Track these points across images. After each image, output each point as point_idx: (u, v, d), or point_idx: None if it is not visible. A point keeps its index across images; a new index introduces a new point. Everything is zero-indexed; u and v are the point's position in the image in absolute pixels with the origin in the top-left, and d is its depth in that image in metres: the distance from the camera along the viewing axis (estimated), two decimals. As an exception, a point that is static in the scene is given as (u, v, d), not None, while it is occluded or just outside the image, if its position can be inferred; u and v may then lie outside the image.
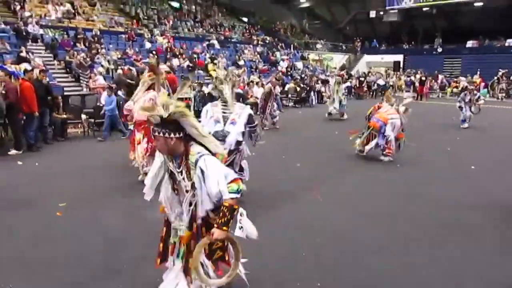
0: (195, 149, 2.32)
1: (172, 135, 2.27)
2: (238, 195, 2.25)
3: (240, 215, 2.36)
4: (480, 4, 27.40)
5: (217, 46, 22.36)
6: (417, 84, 22.06)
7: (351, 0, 33.60)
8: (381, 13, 31.54)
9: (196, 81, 15.06)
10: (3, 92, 7.39)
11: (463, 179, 6.33)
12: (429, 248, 3.86)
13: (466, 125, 11.34)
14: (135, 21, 21.06)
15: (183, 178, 2.37)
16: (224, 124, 4.63)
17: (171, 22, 22.92)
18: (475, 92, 11.59)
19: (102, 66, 14.33)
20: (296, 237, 4.08)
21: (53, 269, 3.35)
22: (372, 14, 32.18)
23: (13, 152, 7.56)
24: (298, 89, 18.03)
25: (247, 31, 27.91)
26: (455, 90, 23.18)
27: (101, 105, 9.93)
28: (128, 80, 11.51)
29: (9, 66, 9.81)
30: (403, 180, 6.22)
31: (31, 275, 3.25)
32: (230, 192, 2.22)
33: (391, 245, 3.93)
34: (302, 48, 29.89)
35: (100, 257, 3.56)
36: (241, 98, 15.52)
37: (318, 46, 32.14)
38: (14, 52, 13.03)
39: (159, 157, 2.53)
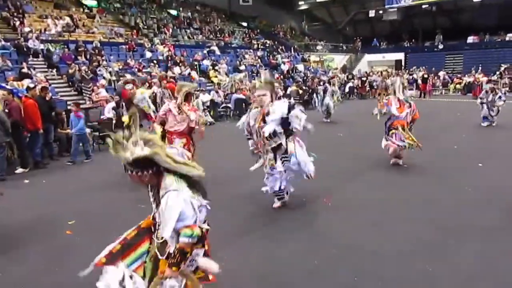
0: (165, 182, 2.27)
1: (145, 172, 2.24)
2: (191, 240, 2.21)
3: (196, 256, 2.38)
4: (479, 0, 27.30)
5: (218, 52, 22.38)
6: (419, 81, 21.97)
7: (349, 0, 33.59)
8: (381, 12, 31.51)
9: (198, 89, 15.08)
10: (6, 111, 7.38)
11: (472, 177, 6.25)
12: (448, 254, 3.78)
13: (486, 123, 10.94)
14: (135, 31, 21.13)
15: (155, 208, 2.41)
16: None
17: (170, 31, 22.99)
18: (496, 91, 10.97)
19: (104, 78, 14.36)
20: (310, 247, 4.01)
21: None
22: (372, 13, 32.15)
23: (20, 170, 7.54)
24: (300, 91, 17.98)
25: (247, 36, 27.95)
26: (458, 86, 23.08)
27: (105, 118, 9.91)
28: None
29: (11, 83, 9.87)
30: (414, 183, 6.12)
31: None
32: (182, 236, 2.20)
33: (410, 251, 3.85)
34: (302, 50, 29.89)
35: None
36: (244, 103, 15.70)
37: (319, 47, 32.14)
38: (16, 68, 13.06)
39: None
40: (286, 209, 5.12)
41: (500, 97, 10.87)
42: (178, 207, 2.20)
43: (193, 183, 2.37)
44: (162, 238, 2.36)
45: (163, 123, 5.84)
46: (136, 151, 2.19)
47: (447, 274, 3.44)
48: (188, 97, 5.76)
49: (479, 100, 11.18)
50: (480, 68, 22.09)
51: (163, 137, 5.56)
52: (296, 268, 3.63)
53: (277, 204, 5.12)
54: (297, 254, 3.91)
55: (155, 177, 2.29)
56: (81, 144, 8.49)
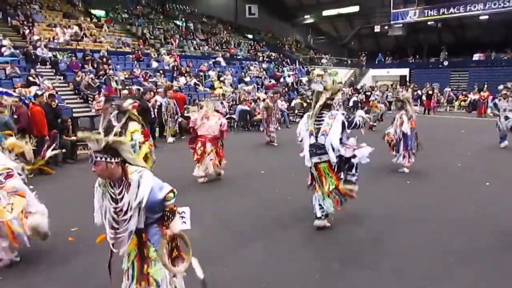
0: (131, 168, 2.65)
1: (113, 160, 2.58)
2: (174, 200, 2.74)
3: (184, 212, 2.87)
4: (486, 17, 27.43)
5: (223, 63, 22.55)
6: (424, 98, 21.96)
7: (355, 15, 33.90)
8: (386, 27, 31.72)
9: (203, 99, 15.17)
10: (15, 117, 7.46)
11: (477, 196, 6.20)
12: (447, 273, 3.74)
13: (504, 143, 10.15)
14: (141, 41, 21.38)
15: (123, 197, 2.66)
16: (316, 137, 4.60)
17: (177, 41, 23.23)
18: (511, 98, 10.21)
19: (110, 85, 14.47)
20: (313, 260, 3.98)
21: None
22: (377, 28, 32.34)
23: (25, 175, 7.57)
24: (305, 104, 18.03)
25: (253, 48, 28.19)
26: (462, 103, 23.04)
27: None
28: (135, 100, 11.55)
29: (19, 90, 9.98)
30: (415, 199, 6.10)
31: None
32: (169, 200, 2.70)
33: (409, 269, 3.81)
34: (307, 63, 30.07)
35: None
36: (248, 114, 15.76)
37: (323, 61, 32.32)
38: (24, 75, 13.21)
39: (98, 188, 2.80)
40: (291, 220, 5.11)
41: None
42: (153, 180, 2.65)
43: None
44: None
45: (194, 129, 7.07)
46: (109, 138, 2.60)
47: None
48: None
49: (489, 111, 10.76)
50: (486, 85, 22.03)
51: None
52: (299, 282, 3.61)
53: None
54: (299, 268, 3.89)
55: (120, 166, 2.63)
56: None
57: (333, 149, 4.49)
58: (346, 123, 4.62)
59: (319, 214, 4.75)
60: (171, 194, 2.72)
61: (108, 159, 2.57)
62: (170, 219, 2.73)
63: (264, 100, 13.94)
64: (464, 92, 24.44)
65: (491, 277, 3.69)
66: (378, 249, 4.30)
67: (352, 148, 4.64)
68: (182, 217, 2.88)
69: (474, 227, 4.90)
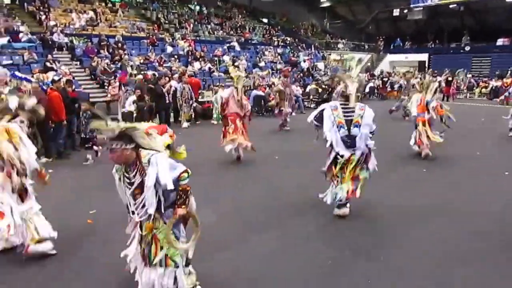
0: (143, 152, 2.73)
1: (128, 146, 2.65)
2: (187, 181, 2.78)
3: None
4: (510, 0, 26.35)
5: (238, 48, 22.39)
6: (443, 84, 21.41)
7: (373, -2, 33.03)
8: (406, 11, 30.81)
9: (218, 84, 15.14)
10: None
11: (496, 186, 6.06)
12: (455, 266, 3.69)
13: None
14: (156, 26, 21.33)
15: (134, 182, 2.75)
16: (348, 129, 4.50)
17: (191, 26, 23.11)
18: None
19: (126, 70, 14.54)
20: (324, 249, 3.98)
21: (82, 278, 3.37)
22: (396, 12, 31.39)
23: (43, 160, 7.73)
24: (320, 90, 17.83)
25: (268, 32, 27.86)
26: (483, 90, 22.39)
27: (126, 110, 10.05)
28: (150, 85, 11.61)
29: (37, 76, 10.11)
30: (430, 188, 6.00)
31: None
32: (183, 180, 2.75)
33: (418, 262, 3.77)
34: (323, 48, 29.59)
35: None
36: (262, 100, 15.65)
37: (340, 45, 31.74)
38: (41, 61, 13.37)
39: (115, 174, 2.88)
40: (303, 208, 5.10)
41: None
42: (166, 161, 2.73)
43: None
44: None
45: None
46: (122, 125, 2.65)
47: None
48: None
49: None
50: (509, 72, 21.24)
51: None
52: (309, 269, 3.62)
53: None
54: (310, 255, 3.89)
55: (135, 152, 2.70)
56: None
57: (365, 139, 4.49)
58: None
59: (337, 203, 4.74)
60: (185, 174, 2.76)
61: (124, 146, 2.63)
62: (182, 199, 2.77)
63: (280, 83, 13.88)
64: (485, 79, 23.71)
65: (504, 272, 3.62)
66: (389, 242, 4.24)
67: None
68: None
69: (491, 219, 4.80)
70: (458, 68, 22.57)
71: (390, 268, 3.64)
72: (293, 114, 11.72)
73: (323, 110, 4.67)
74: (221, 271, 3.58)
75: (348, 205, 4.77)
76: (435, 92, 7.82)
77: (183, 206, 2.78)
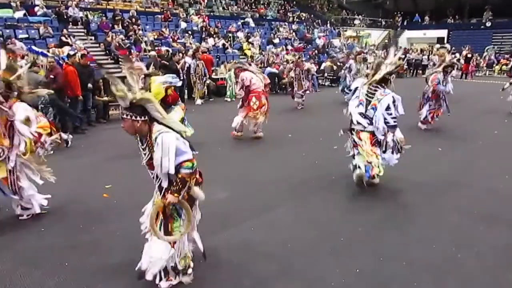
0: (156, 127, 2.64)
1: (138, 118, 2.60)
2: (191, 171, 2.66)
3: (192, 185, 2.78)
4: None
5: (252, 24, 22.04)
6: (462, 61, 20.88)
7: (392, -28, 31.93)
8: (425, -15, 29.73)
9: (231, 61, 15.02)
10: (52, 77, 7.66)
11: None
12: (475, 241, 3.71)
13: None
14: (170, 0, 21.09)
15: (146, 154, 2.72)
16: (366, 108, 4.64)
17: (205, 1, 22.78)
18: None
19: (140, 46, 14.53)
20: (336, 226, 4.03)
21: (99, 249, 3.51)
22: (415, -14, 30.36)
23: (67, 136, 7.90)
24: (335, 67, 17.55)
25: (282, 8, 27.30)
26: (504, 68, 21.74)
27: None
28: (164, 62, 11.59)
29: (53, 50, 10.20)
30: (445, 164, 5.96)
31: (81, 256, 3.42)
32: (185, 168, 2.62)
33: (435, 236, 3.80)
34: (339, 25, 28.92)
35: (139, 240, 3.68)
36: (276, 77, 15.50)
37: (356, 22, 30.96)
38: (57, 35, 13.43)
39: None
40: (317, 185, 5.14)
41: None
42: (173, 143, 2.58)
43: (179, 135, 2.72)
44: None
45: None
46: (136, 95, 2.56)
47: (473, 261, 3.39)
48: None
49: None
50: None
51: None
52: (319, 246, 3.69)
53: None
54: (325, 231, 3.95)
55: (146, 124, 2.64)
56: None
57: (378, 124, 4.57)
58: (393, 107, 4.54)
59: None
60: (189, 163, 2.64)
61: (134, 117, 2.59)
62: (178, 187, 2.67)
63: (292, 62, 13.68)
64: (506, 56, 22.96)
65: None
66: (404, 217, 4.29)
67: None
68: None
69: (504, 196, 4.78)
70: (479, 44, 21.88)
71: (408, 242, 3.69)
72: (308, 92, 11.49)
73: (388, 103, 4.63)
74: (233, 244, 3.67)
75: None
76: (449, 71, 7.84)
77: (175, 194, 2.67)
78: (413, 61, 21.67)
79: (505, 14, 26.96)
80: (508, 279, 3.14)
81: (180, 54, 12.79)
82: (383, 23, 32.64)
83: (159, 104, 2.69)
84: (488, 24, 27.66)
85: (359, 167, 4.74)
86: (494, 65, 22.43)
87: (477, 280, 3.14)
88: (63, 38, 12.92)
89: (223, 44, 17.95)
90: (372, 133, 4.67)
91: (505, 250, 3.57)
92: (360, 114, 4.67)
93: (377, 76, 4.57)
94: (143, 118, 2.61)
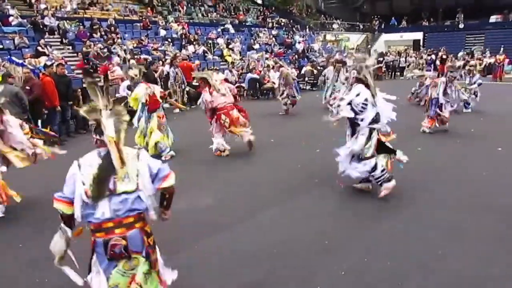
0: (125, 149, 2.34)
1: (102, 137, 2.32)
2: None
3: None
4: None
5: (232, 30, 22.12)
6: (438, 62, 21.39)
7: (368, -23, 32.61)
8: (400, -11, 30.47)
9: (212, 68, 15.01)
10: (28, 88, 7.51)
11: (490, 163, 6.16)
12: (464, 234, 3.80)
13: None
14: (149, 8, 20.99)
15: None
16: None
17: (185, 8, 22.76)
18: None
19: (118, 56, 14.38)
20: (324, 227, 4.06)
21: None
22: (391, -9, 31.10)
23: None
24: (315, 71, 17.73)
25: (262, 14, 27.51)
26: (478, 68, 22.34)
27: (120, 96, 9.98)
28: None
29: (29, 61, 10.00)
30: (432, 165, 6.08)
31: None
32: (170, 182, 2.39)
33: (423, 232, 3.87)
34: (318, 29, 29.29)
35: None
36: (257, 83, 15.54)
37: (335, 26, 31.44)
38: (33, 45, 13.17)
39: None
40: (301, 187, 5.17)
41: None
42: (153, 160, 2.41)
43: None
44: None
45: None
46: (102, 118, 2.26)
47: (459, 257, 3.46)
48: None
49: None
50: (502, 48, 21.26)
51: None
52: (306, 248, 3.70)
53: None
54: (310, 234, 3.98)
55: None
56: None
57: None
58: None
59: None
60: (173, 176, 2.43)
61: (99, 137, 2.35)
62: (170, 202, 2.53)
63: (273, 68, 13.77)
64: (479, 56, 23.65)
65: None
66: (390, 215, 4.35)
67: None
68: None
69: (487, 191, 4.92)
70: (453, 45, 22.52)
71: (395, 241, 3.74)
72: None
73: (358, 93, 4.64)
74: (220, 248, 3.66)
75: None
76: None
77: (170, 209, 2.59)
78: (391, 63, 22.10)
79: (476, 16, 27.89)
80: (492, 274, 3.21)
81: (161, 62, 12.71)
82: (361, 26, 33.25)
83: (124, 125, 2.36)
84: (461, 26, 28.52)
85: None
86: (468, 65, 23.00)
87: (463, 276, 3.20)
88: (40, 48, 12.68)
89: (204, 51, 17.95)
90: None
91: (490, 245, 3.66)
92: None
93: (370, 80, 4.58)
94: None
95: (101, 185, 2.24)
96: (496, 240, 3.73)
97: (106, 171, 2.25)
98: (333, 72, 11.54)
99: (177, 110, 11.90)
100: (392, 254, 3.53)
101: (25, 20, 14.66)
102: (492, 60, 20.77)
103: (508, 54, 21.80)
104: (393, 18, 32.46)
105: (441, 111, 7.98)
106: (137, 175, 2.31)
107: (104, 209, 2.26)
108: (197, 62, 14.85)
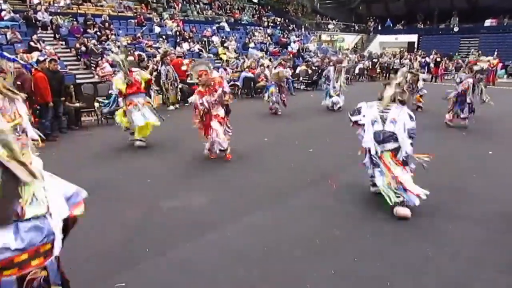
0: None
1: None
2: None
3: None
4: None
5: (227, 28, 22.07)
6: (432, 65, 21.55)
7: (364, -22, 32.74)
8: (396, -9, 30.63)
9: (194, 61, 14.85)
10: (19, 83, 7.40)
11: (478, 167, 6.21)
12: (449, 239, 3.81)
13: None
14: (143, 5, 20.87)
15: None
16: (384, 123, 4.35)
17: (180, 5, 22.66)
18: None
19: (112, 52, 14.25)
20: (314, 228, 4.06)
21: (73, 262, 3.40)
22: (387, -8, 31.25)
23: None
24: (310, 71, 17.76)
25: (257, 12, 27.49)
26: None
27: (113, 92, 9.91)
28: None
29: (21, 56, 9.88)
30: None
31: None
32: (80, 210, 2.08)
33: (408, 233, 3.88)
34: (313, 29, 29.34)
35: (118, 247, 3.60)
36: (252, 81, 15.52)
37: (330, 26, 31.52)
38: (25, 41, 13.03)
39: None
40: (294, 188, 5.16)
41: None
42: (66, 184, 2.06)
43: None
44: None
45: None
46: None
47: (447, 260, 3.48)
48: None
49: None
50: (496, 53, 21.44)
51: None
52: (297, 249, 3.70)
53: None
54: (301, 234, 3.97)
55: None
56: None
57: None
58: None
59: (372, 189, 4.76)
60: (82, 205, 2.11)
61: None
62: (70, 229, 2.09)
63: (268, 66, 13.70)
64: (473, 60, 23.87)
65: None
66: (380, 218, 4.34)
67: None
68: None
69: (471, 195, 4.95)
70: (447, 49, 22.68)
71: (385, 244, 3.75)
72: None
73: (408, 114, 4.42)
74: (211, 250, 3.64)
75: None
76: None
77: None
78: (385, 64, 22.20)
79: (471, 19, 28.12)
80: (481, 278, 3.22)
81: (154, 59, 12.62)
82: (356, 27, 33.37)
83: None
84: (456, 29, 28.73)
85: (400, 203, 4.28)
86: (462, 68, 23.18)
87: (451, 280, 3.20)
88: (32, 43, 12.55)
89: (199, 49, 17.89)
90: (392, 150, 4.38)
91: (478, 248, 3.67)
92: (376, 132, 4.39)
93: (389, 94, 4.38)
94: None
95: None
96: (483, 245, 3.75)
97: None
98: (333, 72, 11.56)
99: (171, 107, 11.86)
100: (382, 255, 3.53)
101: (17, 15, 14.51)
102: (485, 65, 20.93)
103: (502, 58, 22.06)
104: (388, 19, 32.61)
105: (462, 112, 8.63)
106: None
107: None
108: (186, 61, 14.46)
